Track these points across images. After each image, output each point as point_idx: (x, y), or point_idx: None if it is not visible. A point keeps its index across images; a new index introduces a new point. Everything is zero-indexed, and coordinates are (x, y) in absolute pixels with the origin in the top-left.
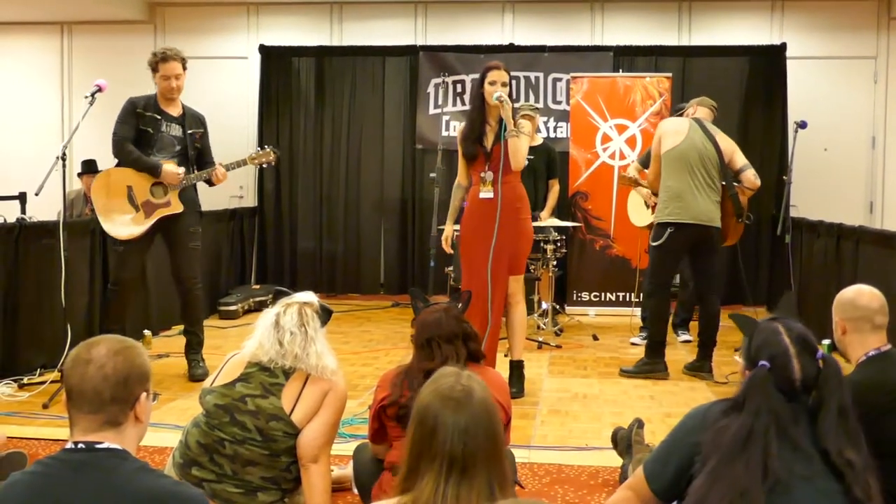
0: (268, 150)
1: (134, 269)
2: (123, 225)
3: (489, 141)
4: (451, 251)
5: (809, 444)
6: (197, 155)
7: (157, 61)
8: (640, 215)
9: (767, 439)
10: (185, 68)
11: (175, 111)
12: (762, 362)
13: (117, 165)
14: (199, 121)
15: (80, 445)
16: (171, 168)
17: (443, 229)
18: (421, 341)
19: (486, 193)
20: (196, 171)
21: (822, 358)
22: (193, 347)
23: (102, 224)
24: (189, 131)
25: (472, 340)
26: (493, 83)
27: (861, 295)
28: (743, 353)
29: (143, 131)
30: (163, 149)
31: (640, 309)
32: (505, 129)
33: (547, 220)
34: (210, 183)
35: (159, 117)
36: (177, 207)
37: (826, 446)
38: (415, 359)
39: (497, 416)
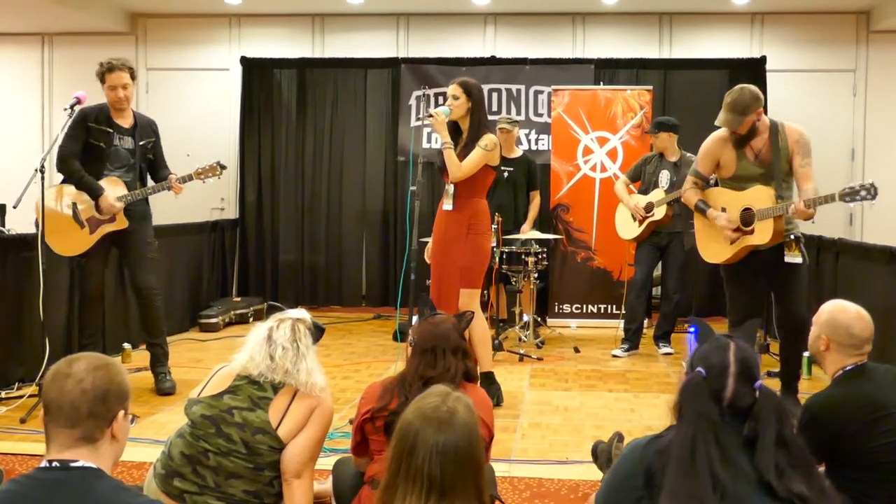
0: (213, 164)
1: (97, 281)
2: (68, 242)
3: None
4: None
5: (747, 464)
6: (150, 164)
7: (103, 72)
8: (627, 228)
9: (709, 447)
10: (133, 78)
11: (126, 122)
12: (699, 369)
13: (63, 181)
14: (151, 129)
15: (54, 464)
16: (107, 200)
17: (425, 242)
18: (424, 348)
19: (447, 205)
20: (151, 184)
21: (759, 388)
22: (159, 360)
23: (47, 241)
24: (140, 143)
25: (468, 359)
26: (447, 98)
27: (856, 322)
28: (688, 360)
29: (94, 146)
30: (117, 163)
31: (623, 321)
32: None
33: (528, 232)
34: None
35: (111, 130)
36: (122, 223)
37: (767, 478)
38: (412, 365)
39: (479, 440)
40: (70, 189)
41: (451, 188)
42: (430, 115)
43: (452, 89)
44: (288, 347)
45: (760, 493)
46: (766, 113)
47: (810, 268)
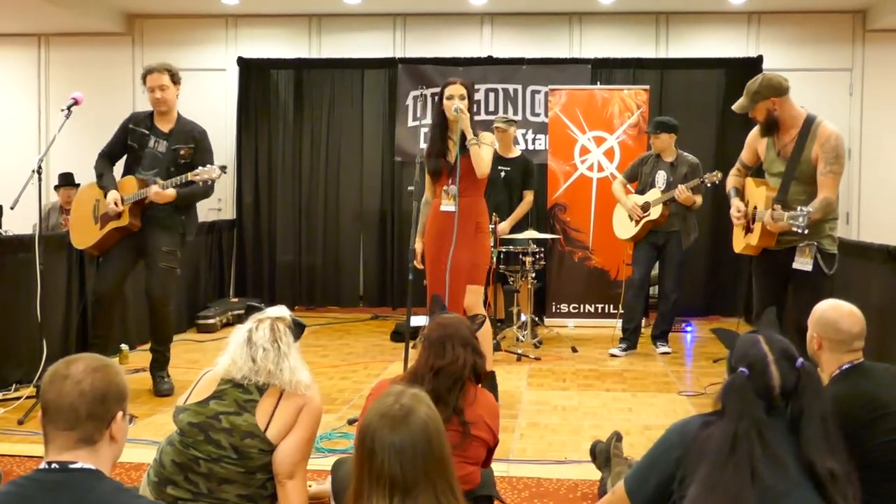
0: (211, 167)
1: (111, 282)
2: (83, 235)
3: (452, 155)
4: (422, 267)
5: (789, 455)
6: (187, 170)
7: (144, 74)
8: (624, 228)
9: (751, 444)
10: (175, 81)
11: (166, 126)
12: (741, 369)
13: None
14: (191, 136)
15: (53, 465)
16: (111, 198)
17: None
18: (434, 340)
19: (448, 206)
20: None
21: (801, 367)
22: (157, 365)
23: (70, 235)
24: (173, 147)
25: (479, 357)
26: (450, 98)
27: (844, 318)
28: (726, 366)
29: (130, 147)
30: (149, 165)
31: (620, 321)
32: (465, 140)
33: (506, 231)
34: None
35: (148, 133)
36: (123, 221)
37: (811, 457)
38: (422, 357)
39: (440, 436)
40: (94, 187)
41: (453, 189)
42: (459, 110)
43: (459, 89)
44: (269, 348)
45: (803, 482)
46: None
47: (826, 278)
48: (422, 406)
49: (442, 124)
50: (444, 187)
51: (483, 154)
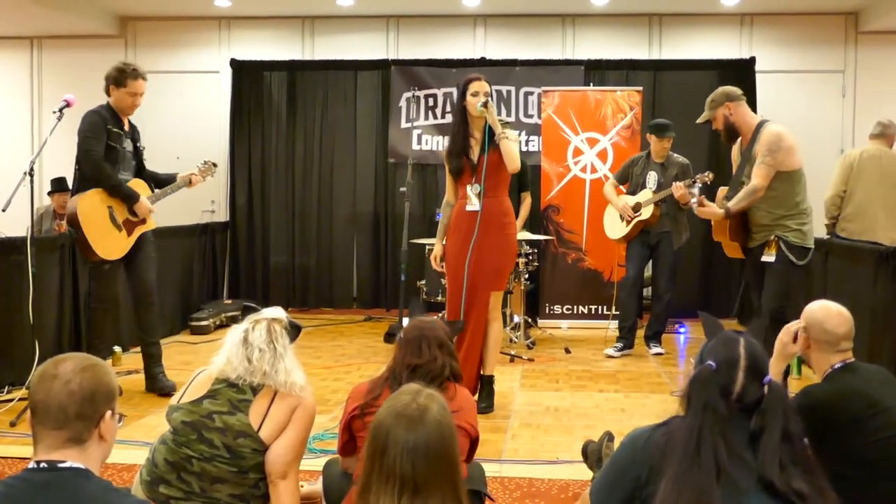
0: (207, 164)
1: (118, 285)
2: (109, 245)
3: (475, 153)
4: (442, 269)
5: (752, 461)
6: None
7: (127, 77)
8: (615, 228)
9: (715, 439)
10: None
11: (126, 125)
12: (709, 362)
13: (85, 182)
14: (138, 131)
15: (42, 465)
16: (143, 206)
17: (415, 244)
18: (411, 339)
19: (473, 206)
20: (167, 186)
21: (767, 384)
22: (155, 360)
23: (96, 250)
24: (137, 144)
25: (455, 359)
26: (475, 94)
27: (830, 319)
28: (698, 353)
29: (111, 148)
30: (125, 166)
31: (615, 322)
32: (493, 136)
33: (519, 233)
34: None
35: (121, 133)
36: (151, 224)
37: (768, 474)
38: (398, 355)
39: (453, 438)
40: (100, 194)
41: (477, 188)
42: (486, 104)
43: (484, 86)
44: (265, 349)
45: (759, 488)
46: (755, 113)
47: (794, 269)
48: (435, 405)
49: (464, 122)
50: (468, 187)
51: (513, 148)
